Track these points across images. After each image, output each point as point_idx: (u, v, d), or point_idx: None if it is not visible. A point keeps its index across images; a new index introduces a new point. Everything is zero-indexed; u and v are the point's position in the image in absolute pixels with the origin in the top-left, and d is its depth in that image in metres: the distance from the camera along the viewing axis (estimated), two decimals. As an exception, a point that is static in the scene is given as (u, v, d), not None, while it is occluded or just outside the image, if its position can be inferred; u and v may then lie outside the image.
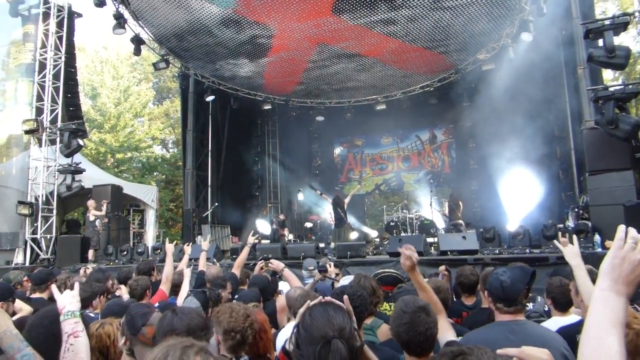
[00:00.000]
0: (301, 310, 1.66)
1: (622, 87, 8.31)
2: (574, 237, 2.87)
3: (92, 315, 3.52)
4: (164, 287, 3.68)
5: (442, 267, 5.16)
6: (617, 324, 1.10)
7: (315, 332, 1.52)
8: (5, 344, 1.80)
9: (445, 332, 2.29)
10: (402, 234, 11.76)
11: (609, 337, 1.08)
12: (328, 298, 1.69)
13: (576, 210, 9.69)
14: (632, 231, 1.18)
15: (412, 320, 2.11)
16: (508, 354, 1.35)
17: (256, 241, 8.23)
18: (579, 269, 2.66)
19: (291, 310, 3.13)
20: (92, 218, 11.40)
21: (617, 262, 1.16)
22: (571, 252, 2.72)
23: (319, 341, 1.49)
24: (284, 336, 2.79)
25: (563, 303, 3.20)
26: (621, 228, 1.19)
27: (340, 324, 1.54)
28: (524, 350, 1.36)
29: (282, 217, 15.46)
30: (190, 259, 5.55)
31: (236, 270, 4.99)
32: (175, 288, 4.10)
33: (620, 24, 7.85)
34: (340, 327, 1.53)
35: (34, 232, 11.83)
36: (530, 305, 3.72)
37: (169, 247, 4.69)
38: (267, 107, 17.26)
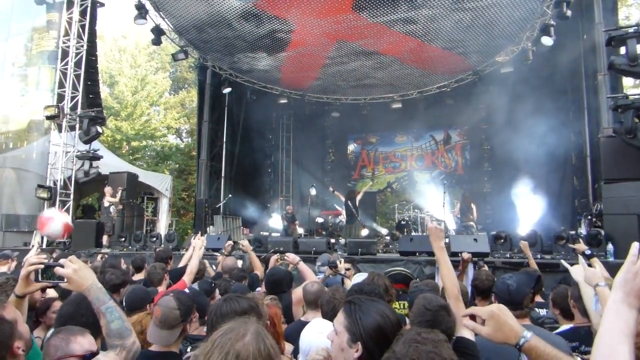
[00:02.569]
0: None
1: (643, 96, 8.23)
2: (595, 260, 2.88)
3: None
4: (187, 279, 3.75)
5: (467, 255, 5.09)
6: (628, 334, 1.17)
7: None
8: (92, 296, 1.94)
9: (460, 327, 2.32)
10: (413, 234, 11.77)
11: (620, 345, 1.15)
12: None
13: (589, 217, 9.65)
14: None
15: (434, 319, 2.19)
16: (466, 313, 1.59)
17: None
18: (584, 286, 2.68)
19: (307, 303, 3.22)
20: (106, 204, 11.58)
21: (630, 276, 1.23)
22: (579, 272, 2.70)
23: None
24: (298, 329, 2.85)
25: (571, 313, 3.25)
26: (635, 245, 1.26)
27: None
28: (473, 309, 1.54)
29: (289, 208, 15.26)
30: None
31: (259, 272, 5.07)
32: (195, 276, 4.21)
33: (644, 32, 7.74)
34: None
35: (51, 216, 12.06)
36: (544, 312, 3.76)
37: (197, 242, 4.28)
38: (283, 101, 17.36)
